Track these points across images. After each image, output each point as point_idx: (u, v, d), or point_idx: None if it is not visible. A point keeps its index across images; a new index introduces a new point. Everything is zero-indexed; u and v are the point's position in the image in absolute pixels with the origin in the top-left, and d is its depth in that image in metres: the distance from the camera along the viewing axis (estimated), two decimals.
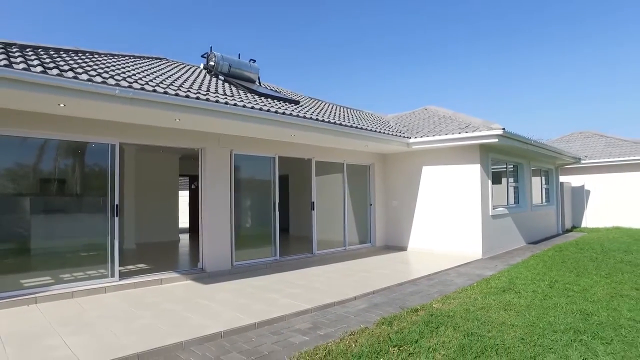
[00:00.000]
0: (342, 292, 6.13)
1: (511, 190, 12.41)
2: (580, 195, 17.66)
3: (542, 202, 14.59)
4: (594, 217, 17.41)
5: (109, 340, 4.06)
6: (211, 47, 10.36)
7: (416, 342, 4.10)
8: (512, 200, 12.27)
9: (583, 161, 16.60)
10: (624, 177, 17.06)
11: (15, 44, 5.79)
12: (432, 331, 4.42)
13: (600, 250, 10.08)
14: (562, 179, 18.12)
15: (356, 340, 4.17)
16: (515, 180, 12.50)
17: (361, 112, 13.36)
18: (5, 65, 4.48)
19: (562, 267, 8.13)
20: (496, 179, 11.71)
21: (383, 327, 4.61)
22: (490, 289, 6.38)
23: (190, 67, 10.28)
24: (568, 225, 17.08)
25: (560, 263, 8.58)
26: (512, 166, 12.37)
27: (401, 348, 3.94)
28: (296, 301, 5.60)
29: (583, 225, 17.57)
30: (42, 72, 4.76)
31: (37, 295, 5.58)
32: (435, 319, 4.86)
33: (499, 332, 4.36)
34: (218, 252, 7.73)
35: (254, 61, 10.85)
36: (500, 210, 10.89)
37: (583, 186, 17.62)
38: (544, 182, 15.16)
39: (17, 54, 5.31)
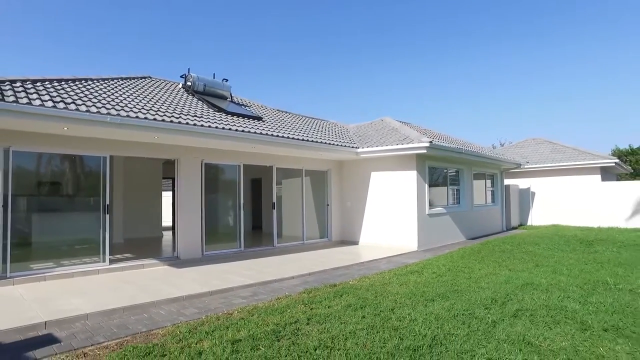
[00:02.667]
0: (285, 274, 7.88)
1: (453, 192, 14.27)
2: (526, 197, 19.66)
3: (486, 203, 16.50)
4: (538, 216, 19.43)
5: (102, 300, 5.77)
6: (189, 69, 12.07)
7: (320, 302, 5.87)
8: (453, 201, 14.13)
9: (525, 166, 18.64)
10: (564, 180, 19.14)
11: (28, 80, 7.41)
12: (337, 297, 6.19)
13: (516, 244, 12.00)
14: (513, 181, 20.15)
15: (279, 302, 5.93)
16: (457, 184, 14.36)
17: (324, 123, 15.14)
18: (27, 103, 6.15)
19: (474, 256, 9.97)
20: (445, 182, 13.56)
21: (303, 294, 6.38)
22: (402, 272, 8.18)
23: (171, 86, 11.95)
24: (515, 223, 19.06)
25: (476, 253, 10.43)
26: (454, 171, 14.21)
27: (307, 305, 5.70)
28: (246, 279, 7.35)
29: (529, 223, 19.57)
30: (52, 106, 6.44)
31: (45, 274, 7.24)
32: (344, 290, 6.64)
33: (383, 297, 6.14)
34: (191, 243, 9.45)
35: (227, 80, 12.57)
36: (439, 209, 12.75)
37: (529, 188, 19.61)
38: (489, 184, 17.10)
39: (31, 89, 6.96)
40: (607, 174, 20.20)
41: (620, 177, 29.62)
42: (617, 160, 18.28)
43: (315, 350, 3.99)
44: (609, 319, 4.71)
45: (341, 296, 6.23)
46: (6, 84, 6.80)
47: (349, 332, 4.48)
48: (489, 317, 4.90)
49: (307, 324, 4.86)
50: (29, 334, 4.54)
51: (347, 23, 61.78)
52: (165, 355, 3.91)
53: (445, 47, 66.09)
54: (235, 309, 5.58)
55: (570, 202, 18.42)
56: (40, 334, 4.57)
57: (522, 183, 20.10)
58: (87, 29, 53.34)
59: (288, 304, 5.75)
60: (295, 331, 4.57)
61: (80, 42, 55.94)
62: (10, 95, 6.24)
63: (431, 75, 72.86)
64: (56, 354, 4.01)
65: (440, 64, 69.84)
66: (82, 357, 3.91)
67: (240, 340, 4.27)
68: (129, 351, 4.00)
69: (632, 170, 28.72)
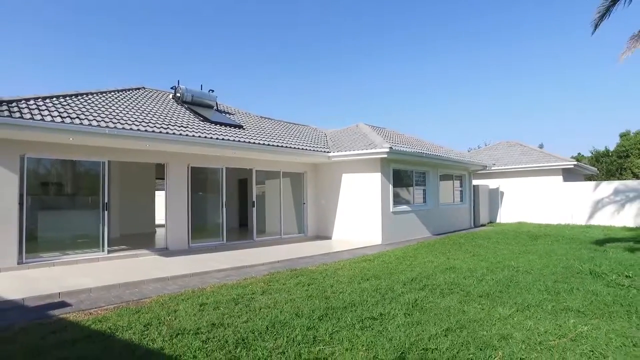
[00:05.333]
0: (256, 261, 9.31)
1: (420, 191, 15.71)
2: (495, 196, 21.16)
3: (453, 202, 17.96)
4: (507, 214, 20.94)
5: (103, 279, 7.20)
6: (178, 81, 13.48)
7: (277, 281, 7.30)
8: (420, 200, 15.58)
9: (493, 167, 20.13)
10: (530, 181, 20.64)
11: (39, 97, 8.80)
12: (293, 278, 7.61)
13: (471, 238, 13.47)
14: (484, 182, 21.65)
15: (245, 281, 7.36)
16: (423, 184, 15.79)
17: (303, 128, 16.58)
18: (40, 119, 7.56)
19: (426, 249, 11.40)
20: (412, 183, 15.01)
21: (266, 276, 7.81)
22: (357, 260, 9.61)
23: (162, 96, 13.36)
24: (485, 221, 20.55)
25: (430, 246, 11.87)
26: (421, 172, 15.64)
27: (266, 283, 7.13)
28: (222, 265, 8.78)
29: (497, 220, 21.08)
30: (60, 121, 7.84)
31: (54, 261, 8.66)
32: (301, 273, 8.07)
33: (330, 278, 7.56)
34: (178, 237, 10.87)
35: (213, 91, 13.99)
36: (403, 208, 14.20)
37: (498, 188, 21.12)
38: (458, 185, 18.57)
39: (42, 106, 8.34)
40: (573, 175, 21.71)
41: (593, 178, 31.20)
42: (575, 163, 19.79)
43: (260, 309, 5.43)
44: (488, 289, 6.18)
45: (296, 277, 7.66)
46: (22, 102, 8.19)
47: (290, 299, 5.93)
48: (401, 290, 6.36)
49: (262, 294, 6.30)
50: (47, 301, 5.97)
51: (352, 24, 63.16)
52: (150, 312, 5.34)
53: (449, 48, 67.60)
54: (208, 285, 7.02)
55: (535, 201, 19.94)
56: (55, 301, 6.00)
57: (493, 183, 21.60)
58: (82, 17, 54.56)
59: (251, 282, 7.19)
60: (251, 299, 6.02)
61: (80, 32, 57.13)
62: (27, 113, 7.65)
63: (428, 78, 74.43)
64: (69, 312, 5.43)
65: (436, 65, 71.35)
66: (88, 315, 5.33)
67: (207, 304, 5.71)
68: (124, 310, 5.43)
69: (598, 171, 30.23)
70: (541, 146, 43.45)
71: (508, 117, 73.34)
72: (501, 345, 4.02)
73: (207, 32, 63.71)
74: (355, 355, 3.87)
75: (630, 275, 6.96)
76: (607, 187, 18.07)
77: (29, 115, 7.58)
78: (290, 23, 62.63)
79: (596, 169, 28.43)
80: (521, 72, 68.64)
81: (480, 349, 3.92)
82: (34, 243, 8.75)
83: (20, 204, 8.34)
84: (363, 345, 4.11)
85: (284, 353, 3.93)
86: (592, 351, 3.80)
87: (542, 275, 7.20)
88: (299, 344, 4.15)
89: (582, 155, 42.65)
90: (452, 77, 73.25)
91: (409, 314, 5.11)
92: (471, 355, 3.77)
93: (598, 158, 39.34)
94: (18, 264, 8.19)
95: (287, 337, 4.36)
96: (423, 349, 3.97)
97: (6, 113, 7.28)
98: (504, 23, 60.85)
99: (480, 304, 5.48)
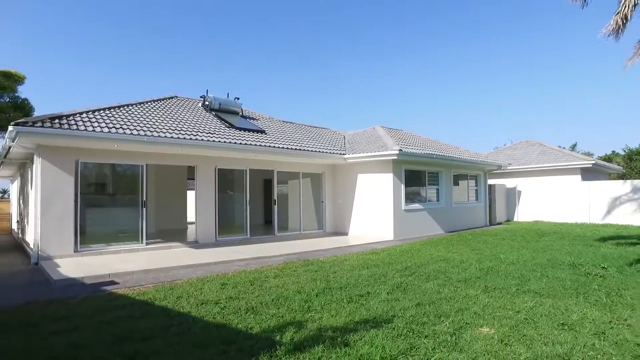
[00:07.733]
0: (275, 253, 10.48)
1: (433, 190, 16.48)
2: (512, 195, 21.55)
3: (468, 200, 18.58)
4: (524, 213, 21.30)
5: (140, 264, 8.55)
6: (207, 90, 14.87)
7: (289, 269, 8.42)
8: (433, 199, 16.35)
9: (509, 167, 20.58)
10: (548, 180, 20.92)
11: (90, 110, 10.29)
12: (304, 266, 8.72)
13: (479, 235, 14.18)
14: (503, 181, 22.07)
15: (262, 268, 8.53)
16: (436, 183, 16.53)
17: (323, 131, 17.69)
18: (92, 130, 9.01)
19: (433, 244, 12.25)
20: (424, 182, 15.82)
21: (281, 265, 8.96)
22: (365, 253, 10.60)
23: (192, 104, 14.77)
24: (502, 219, 21.01)
25: (438, 242, 12.70)
26: (434, 172, 16.39)
27: (279, 270, 8.26)
28: (244, 255, 9.99)
29: (515, 219, 21.46)
30: (107, 131, 9.27)
31: (101, 250, 10.14)
32: (312, 262, 9.17)
33: (336, 266, 8.62)
34: (207, 231, 12.21)
35: (238, 98, 15.30)
36: (416, 206, 15.05)
37: (515, 187, 21.50)
38: (473, 184, 19.17)
39: (92, 118, 9.82)
40: (595, 174, 21.76)
41: (625, 177, 30.71)
42: (594, 162, 19.95)
43: (270, 288, 6.57)
44: (468, 276, 7.08)
45: (307, 266, 8.76)
46: (77, 115, 9.69)
47: (296, 282, 7.04)
48: (392, 276, 7.35)
49: (274, 278, 7.45)
50: (100, 280, 7.34)
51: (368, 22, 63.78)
52: (181, 289, 6.57)
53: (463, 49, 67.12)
54: (230, 271, 8.23)
55: (552, 200, 20.23)
56: (106, 280, 7.36)
57: (511, 182, 21.98)
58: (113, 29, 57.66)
59: (267, 269, 8.35)
60: (264, 281, 7.17)
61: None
62: (81, 125, 9.12)
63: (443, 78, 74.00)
64: (118, 288, 6.75)
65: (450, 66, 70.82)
66: (133, 290, 6.63)
67: (227, 284, 6.91)
68: (160, 288, 6.70)
69: (623, 170, 29.68)
70: (574, 146, 42.69)
71: (540, 115, 71.87)
72: (456, 315, 4.97)
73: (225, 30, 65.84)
74: (337, 319, 4.93)
75: (605, 266, 7.66)
76: (626, 186, 18.19)
77: (82, 127, 9.05)
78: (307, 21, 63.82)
79: (622, 167, 28.04)
80: (555, 68, 67.18)
81: (437, 317, 4.90)
82: (85, 235, 10.24)
83: (75, 202, 9.83)
84: (346, 313, 5.16)
85: (282, 317, 5.03)
86: (526, 319, 4.71)
87: (524, 266, 8.00)
88: (295, 312, 5.25)
89: (616, 154, 41.54)
90: (486, 74, 72.49)
91: (391, 293, 6.11)
92: (427, 320, 4.76)
93: (631, 156, 38.33)
94: (74, 252, 9.69)
95: (287, 307, 5.47)
96: (392, 315, 4.98)
97: (66, 126, 8.77)
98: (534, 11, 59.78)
99: (455, 287, 6.41)
